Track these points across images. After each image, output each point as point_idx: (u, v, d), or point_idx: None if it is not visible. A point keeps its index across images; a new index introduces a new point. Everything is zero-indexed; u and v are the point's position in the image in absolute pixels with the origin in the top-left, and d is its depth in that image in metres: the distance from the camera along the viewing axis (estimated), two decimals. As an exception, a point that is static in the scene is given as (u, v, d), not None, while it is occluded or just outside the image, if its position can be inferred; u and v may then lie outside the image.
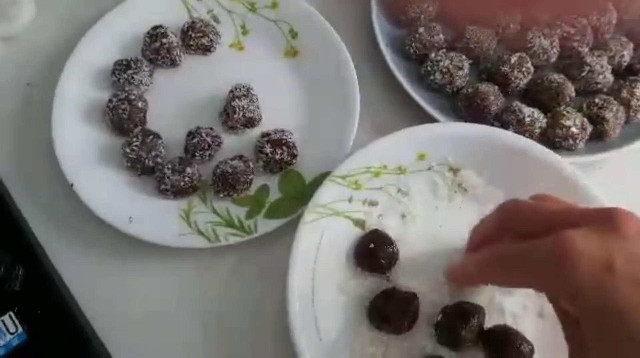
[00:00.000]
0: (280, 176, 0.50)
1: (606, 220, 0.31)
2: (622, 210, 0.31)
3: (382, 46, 0.53)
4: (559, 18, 0.54)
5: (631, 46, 0.54)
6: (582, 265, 0.29)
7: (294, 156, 0.50)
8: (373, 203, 0.48)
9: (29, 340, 0.43)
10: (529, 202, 0.38)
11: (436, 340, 0.43)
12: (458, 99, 0.52)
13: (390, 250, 0.45)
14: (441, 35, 0.53)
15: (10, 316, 0.44)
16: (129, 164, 0.49)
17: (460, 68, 0.51)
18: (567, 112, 0.50)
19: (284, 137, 0.49)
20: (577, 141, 0.49)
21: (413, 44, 0.53)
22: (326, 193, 0.46)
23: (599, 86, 0.52)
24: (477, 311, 0.42)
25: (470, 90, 0.51)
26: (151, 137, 0.49)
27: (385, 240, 0.46)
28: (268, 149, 0.49)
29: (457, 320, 0.42)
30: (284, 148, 0.49)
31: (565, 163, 0.46)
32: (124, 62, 0.52)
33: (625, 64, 0.54)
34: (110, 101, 0.50)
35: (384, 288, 0.45)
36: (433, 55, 0.52)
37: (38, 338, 0.43)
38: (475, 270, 0.39)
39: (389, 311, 0.43)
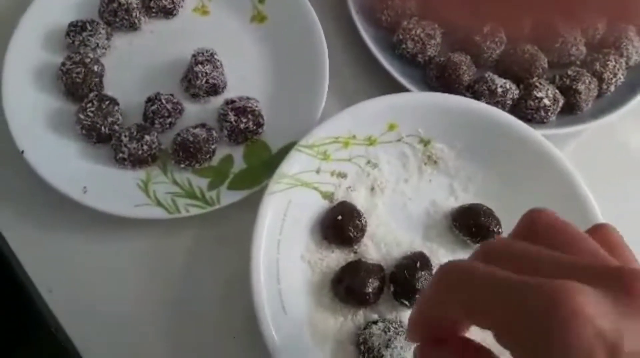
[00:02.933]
0: (245, 146, 0.48)
1: (617, 281, 0.22)
2: (636, 272, 0.22)
3: (353, 12, 0.51)
4: None
5: (605, 18, 0.53)
6: (583, 336, 0.20)
7: (260, 124, 0.47)
8: (342, 175, 0.47)
9: (-25, 315, 0.41)
10: (507, 240, 0.26)
11: (393, 295, 0.42)
12: (430, 69, 0.50)
13: (359, 222, 0.44)
14: (413, 3, 0.52)
15: (-46, 291, 0.41)
16: (83, 132, 0.46)
17: (432, 37, 0.50)
18: (540, 84, 0.49)
19: (250, 105, 0.47)
20: (549, 114, 0.49)
21: (385, 11, 0.51)
22: (293, 163, 0.44)
23: (572, 58, 0.52)
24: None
25: (442, 60, 0.49)
26: (107, 102, 0.46)
27: (354, 212, 0.44)
28: (232, 117, 0.46)
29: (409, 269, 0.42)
30: (249, 116, 0.47)
31: (537, 135, 0.45)
32: (79, 24, 0.49)
33: (599, 36, 0.53)
34: (63, 64, 0.47)
35: (350, 260, 0.44)
36: (405, 23, 0.50)
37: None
38: (431, 290, 0.25)
39: (354, 283, 0.42)
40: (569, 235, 0.25)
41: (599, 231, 0.26)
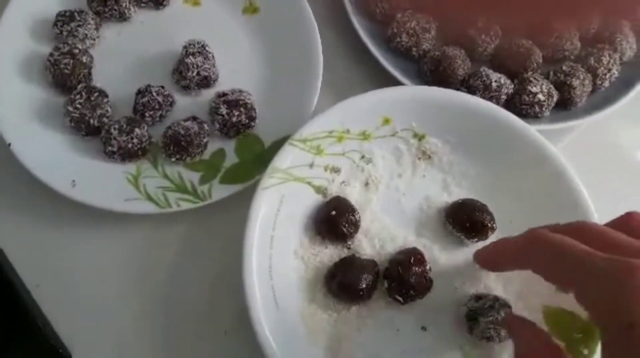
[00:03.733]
0: (237, 140, 0.47)
1: None
2: None
3: (347, 5, 0.51)
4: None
5: (599, 13, 0.53)
6: None
7: (252, 118, 0.47)
8: (335, 170, 0.46)
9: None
10: (603, 227, 0.34)
11: (387, 293, 0.42)
12: (424, 63, 0.50)
13: (352, 217, 0.43)
14: (408, -5, 0.51)
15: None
16: (72, 124, 0.45)
17: (427, 30, 0.49)
18: (534, 78, 0.48)
19: (242, 98, 0.46)
20: (543, 109, 0.48)
21: (379, 4, 0.51)
22: (286, 158, 0.43)
23: (567, 53, 0.51)
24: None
25: (436, 53, 0.49)
26: (96, 94, 0.45)
27: (348, 207, 0.44)
28: (224, 110, 0.46)
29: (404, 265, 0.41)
30: (242, 109, 0.46)
31: (532, 130, 0.45)
32: (67, 14, 0.48)
33: (593, 31, 0.53)
34: (51, 54, 0.46)
35: (344, 256, 0.43)
36: (400, 15, 0.50)
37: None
38: (515, 249, 0.36)
39: (348, 279, 0.41)
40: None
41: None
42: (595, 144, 0.52)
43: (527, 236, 0.35)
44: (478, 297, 0.41)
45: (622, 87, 0.52)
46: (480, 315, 0.39)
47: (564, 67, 0.50)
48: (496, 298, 0.40)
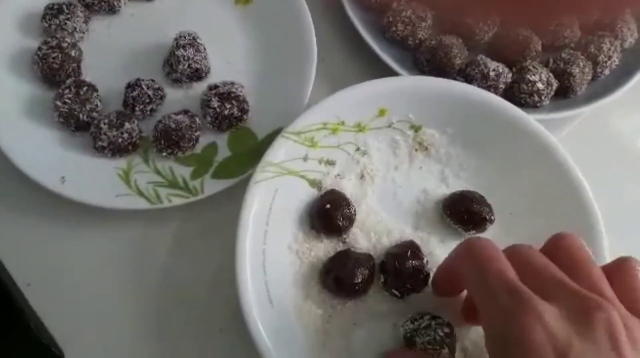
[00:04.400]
0: (230, 134, 0.47)
1: (582, 304, 0.29)
2: (599, 301, 0.29)
3: (342, -7, 0.50)
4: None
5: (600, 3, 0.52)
6: (537, 335, 0.27)
7: (245, 111, 0.46)
8: (330, 163, 0.45)
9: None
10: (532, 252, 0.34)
11: (383, 287, 0.41)
12: (420, 52, 0.49)
13: (348, 211, 0.43)
14: (404, -17, 0.50)
15: None
16: (61, 119, 0.44)
17: (423, 19, 0.48)
18: (533, 67, 0.47)
19: (234, 90, 0.45)
20: (543, 98, 0.47)
21: (374, -8, 0.50)
22: (279, 151, 0.43)
23: (566, 40, 0.50)
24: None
25: (433, 42, 0.48)
26: (86, 89, 0.44)
27: (343, 201, 0.43)
28: (216, 103, 0.45)
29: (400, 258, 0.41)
30: (234, 102, 0.45)
31: (531, 120, 0.44)
32: (56, 7, 0.47)
33: (593, 18, 0.52)
34: (39, 48, 0.45)
35: (339, 250, 0.43)
36: (395, 4, 0.49)
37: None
38: (447, 260, 0.37)
39: (343, 273, 0.40)
40: (580, 261, 0.32)
41: (618, 265, 0.32)
42: (596, 133, 0.51)
43: (459, 244, 0.35)
44: (414, 318, 0.39)
45: (622, 75, 0.50)
46: (416, 336, 0.38)
47: (564, 55, 0.49)
48: (433, 318, 0.39)
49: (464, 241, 0.34)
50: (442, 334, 0.38)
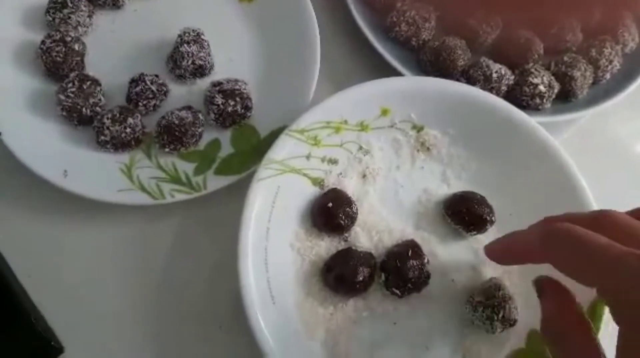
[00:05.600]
0: (233, 130, 0.47)
1: None
2: None
3: (346, -8, 0.50)
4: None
5: (602, 4, 0.52)
6: None
7: (248, 108, 0.46)
8: (333, 161, 0.45)
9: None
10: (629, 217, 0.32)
11: (384, 286, 0.41)
12: (424, 53, 0.49)
13: (349, 210, 0.43)
14: (408, -16, 0.50)
15: None
16: (64, 113, 0.44)
17: (427, 20, 0.49)
18: (535, 70, 0.48)
19: (238, 87, 0.45)
20: (544, 100, 0.48)
21: (378, -8, 0.50)
22: (282, 149, 0.43)
23: (568, 44, 0.51)
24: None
25: (436, 43, 0.48)
26: (89, 83, 0.44)
27: (345, 199, 0.43)
28: (219, 100, 0.45)
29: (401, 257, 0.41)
30: (237, 99, 0.45)
31: (532, 122, 0.44)
32: (60, 0, 0.47)
33: (595, 22, 0.52)
34: (43, 42, 0.45)
35: (340, 248, 0.43)
36: (399, 4, 0.49)
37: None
38: (531, 243, 0.33)
39: (344, 271, 0.40)
40: None
41: None
42: (596, 136, 0.51)
43: (543, 228, 0.33)
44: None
45: (623, 79, 0.51)
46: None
47: (565, 59, 0.49)
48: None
49: (551, 227, 0.31)
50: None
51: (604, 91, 0.51)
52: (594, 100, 0.50)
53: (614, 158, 0.51)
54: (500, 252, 0.38)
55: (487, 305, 0.39)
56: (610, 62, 0.50)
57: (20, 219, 0.43)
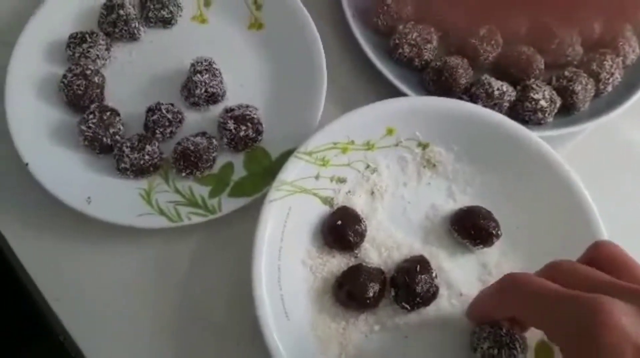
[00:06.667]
0: (245, 154, 0.49)
1: None
2: None
3: (349, 17, 0.52)
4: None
5: (602, 17, 0.54)
6: (614, 335, 0.27)
7: (259, 132, 0.48)
8: (341, 180, 0.47)
9: (-16, 325, 0.42)
10: (574, 263, 0.35)
11: (394, 300, 0.43)
12: (427, 73, 0.51)
13: (359, 227, 0.44)
14: (410, 7, 0.52)
15: (-36, 302, 0.42)
16: (86, 143, 0.47)
17: (429, 41, 0.50)
18: (537, 85, 0.49)
19: (248, 113, 0.47)
20: (547, 115, 0.49)
21: (381, 16, 0.51)
22: (292, 170, 0.45)
23: (569, 58, 0.52)
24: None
25: (438, 64, 0.50)
26: (109, 114, 0.47)
27: (354, 217, 0.45)
28: (232, 126, 0.47)
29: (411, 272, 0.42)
30: (249, 124, 0.47)
31: (534, 137, 0.46)
32: (79, 36, 0.49)
33: (595, 36, 0.53)
34: (64, 76, 0.48)
35: (351, 265, 0.44)
36: (401, 27, 0.51)
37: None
38: (491, 297, 0.37)
39: (355, 287, 0.42)
40: (626, 264, 0.33)
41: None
42: (600, 148, 0.52)
43: (499, 281, 0.36)
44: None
45: (625, 90, 0.52)
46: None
47: (566, 73, 0.50)
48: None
49: (505, 279, 0.35)
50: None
51: (605, 103, 0.52)
52: (596, 112, 0.51)
53: (618, 168, 0.52)
54: (476, 312, 0.40)
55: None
56: (612, 74, 0.51)
57: (48, 245, 0.46)
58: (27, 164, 0.45)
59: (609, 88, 0.52)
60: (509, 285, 0.35)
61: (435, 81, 0.50)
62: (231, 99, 0.50)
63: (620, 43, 0.52)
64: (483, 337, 0.39)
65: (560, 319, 0.30)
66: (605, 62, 0.51)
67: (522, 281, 0.34)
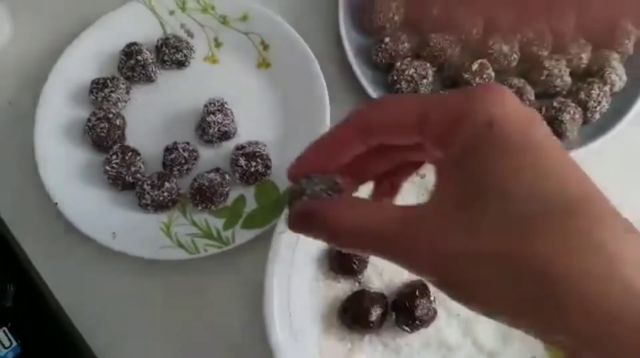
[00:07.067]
0: (256, 187, 0.53)
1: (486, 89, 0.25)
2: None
3: (350, 55, 0.55)
4: (520, 23, 0.56)
5: (589, 48, 0.56)
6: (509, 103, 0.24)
7: (268, 167, 0.52)
8: (345, 210, 0.51)
9: (23, 353, 0.46)
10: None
11: (395, 322, 0.47)
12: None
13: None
14: (406, 44, 0.55)
15: (4, 331, 0.46)
16: (110, 181, 0.51)
17: (425, 77, 0.54)
18: (526, 116, 0.52)
19: (258, 149, 0.51)
20: (537, 144, 0.52)
21: (380, 54, 0.55)
22: (299, 203, 0.48)
23: (558, 89, 0.55)
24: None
25: (434, 98, 0.53)
26: (130, 154, 0.51)
27: (357, 244, 0.48)
28: (243, 162, 0.51)
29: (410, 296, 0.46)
30: (258, 160, 0.51)
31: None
32: (101, 81, 0.54)
33: (583, 66, 0.56)
34: (89, 119, 0.52)
35: (355, 290, 0.48)
36: (399, 64, 0.54)
37: (32, 351, 0.46)
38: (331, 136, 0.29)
39: (359, 312, 0.46)
40: None
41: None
42: (591, 172, 0.54)
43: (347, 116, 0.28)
44: None
45: (613, 117, 0.54)
46: None
47: (555, 104, 0.53)
48: None
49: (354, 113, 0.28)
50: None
51: (594, 129, 0.54)
52: (585, 139, 0.54)
53: (611, 192, 0.54)
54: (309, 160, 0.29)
55: None
56: (599, 103, 0.54)
57: (78, 278, 0.50)
58: (56, 203, 0.50)
59: (597, 116, 0.54)
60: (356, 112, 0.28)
61: (431, 115, 0.53)
62: (243, 134, 0.54)
63: (608, 72, 0.55)
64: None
65: (442, 105, 0.25)
66: (592, 92, 0.53)
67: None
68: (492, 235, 0.22)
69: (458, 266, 0.23)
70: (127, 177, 0.50)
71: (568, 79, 0.55)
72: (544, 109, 0.53)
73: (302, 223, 0.28)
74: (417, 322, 0.46)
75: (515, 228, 0.22)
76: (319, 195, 0.27)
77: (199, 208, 0.51)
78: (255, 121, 0.55)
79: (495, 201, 0.22)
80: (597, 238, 0.21)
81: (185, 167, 0.52)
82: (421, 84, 0.54)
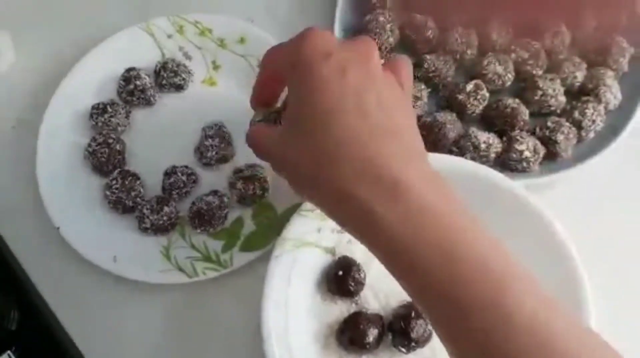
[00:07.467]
0: (253, 209, 0.53)
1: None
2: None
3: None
4: (514, 42, 0.57)
5: (584, 66, 0.57)
6: (308, 47, 0.36)
7: (266, 189, 0.53)
8: (341, 231, 0.51)
9: (26, 376, 0.47)
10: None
11: (392, 343, 0.48)
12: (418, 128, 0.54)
13: (358, 276, 0.49)
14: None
15: (8, 355, 0.47)
16: (110, 205, 0.52)
17: (419, 98, 0.54)
18: (521, 137, 0.52)
19: (255, 173, 0.52)
20: (531, 164, 0.52)
21: (375, 75, 0.55)
22: (295, 227, 0.49)
23: (552, 108, 0.55)
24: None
25: (428, 120, 0.53)
26: (130, 178, 0.52)
27: (353, 266, 0.49)
28: (240, 185, 0.52)
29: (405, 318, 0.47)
30: (256, 183, 0.52)
31: (520, 188, 0.49)
32: (101, 106, 0.55)
33: (578, 84, 0.56)
34: (89, 145, 0.53)
35: (352, 311, 0.49)
36: (394, 87, 0.55)
37: (35, 375, 0.47)
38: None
39: (355, 333, 0.47)
40: None
41: None
42: (583, 194, 0.54)
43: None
44: None
45: (607, 135, 0.55)
46: None
47: (549, 124, 0.53)
48: None
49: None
50: None
51: (589, 148, 0.54)
52: (580, 157, 0.54)
53: (605, 211, 0.54)
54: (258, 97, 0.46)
55: None
56: (593, 122, 0.54)
57: (80, 302, 0.51)
58: (58, 228, 0.51)
59: (591, 134, 0.54)
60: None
61: (425, 136, 0.53)
62: (241, 157, 0.55)
63: (602, 91, 0.55)
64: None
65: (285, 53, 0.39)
66: (587, 111, 0.54)
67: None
68: (297, 150, 0.36)
69: (286, 167, 0.39)
70: (127, 201, 0.51)
71: (562, 99, 0.55)
72: (538, 129, 0.54)
73: (247, 142, 0.44)
74: (413, 343, 0.46)
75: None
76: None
77: (198, 230, 0.52)
78: (253, 142, 0.56)
79: (295, 126, 0.37)
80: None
81: (184, 190, 0.53)
82: (416, 106, 0.54)
